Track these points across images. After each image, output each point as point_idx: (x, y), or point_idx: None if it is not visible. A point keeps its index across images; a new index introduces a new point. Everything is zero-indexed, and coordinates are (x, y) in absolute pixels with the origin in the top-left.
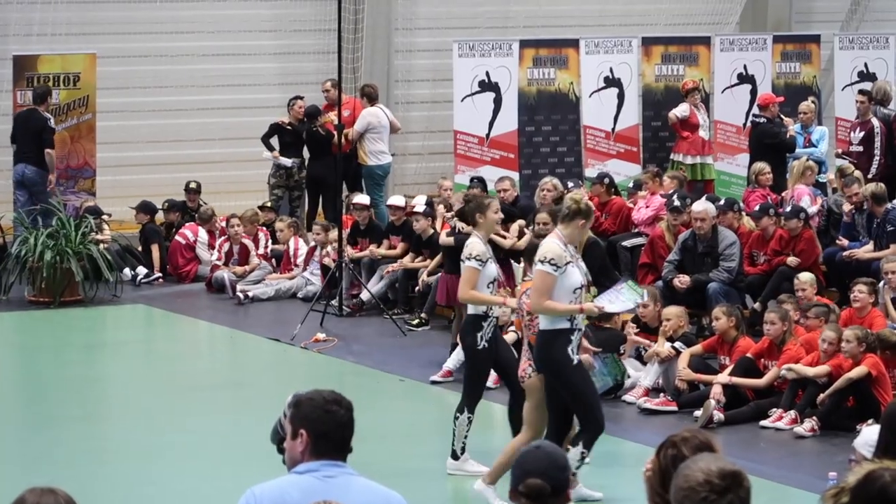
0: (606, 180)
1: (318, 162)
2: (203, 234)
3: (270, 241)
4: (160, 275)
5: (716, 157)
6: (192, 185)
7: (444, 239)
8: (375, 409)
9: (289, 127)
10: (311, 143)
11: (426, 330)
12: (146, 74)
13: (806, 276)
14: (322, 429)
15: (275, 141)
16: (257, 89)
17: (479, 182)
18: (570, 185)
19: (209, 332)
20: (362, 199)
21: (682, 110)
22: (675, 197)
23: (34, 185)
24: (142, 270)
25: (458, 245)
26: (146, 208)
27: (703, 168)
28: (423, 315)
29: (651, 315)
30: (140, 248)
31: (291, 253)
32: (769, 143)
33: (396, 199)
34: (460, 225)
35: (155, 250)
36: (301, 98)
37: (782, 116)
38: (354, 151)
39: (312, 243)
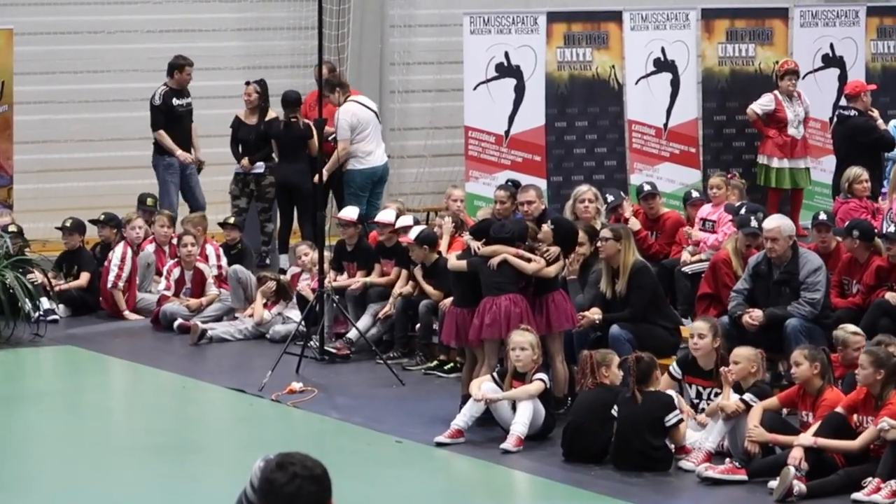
0: (661, 198)
1: (291, 165)
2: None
3: (224, 260)
4: (57, 315)
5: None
6: (150, 202)
7: (455, 263)
8: (366, 478)
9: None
10: (283, 141)
11: (435, 376)
12: (77, 56)
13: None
14: (266, 502)
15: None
16: (217, 74)
17: (514, 185)
18: (610, 197)
19: (155, 380)
20: (349, 212)
21: (764, 103)
22: (747, 212)
23: (156, 171)
24: (45, 303)
25: (472, 270)
26: (79, 228)
27: (794, 174)
28: (442, 357)
29: (705, 351)
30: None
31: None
32: (863, 142)
33: (386, 215)
34: (475, 245)
35: (84, 277)
36: (252, 83)
37: (873, 109)
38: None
39: (296, 269)
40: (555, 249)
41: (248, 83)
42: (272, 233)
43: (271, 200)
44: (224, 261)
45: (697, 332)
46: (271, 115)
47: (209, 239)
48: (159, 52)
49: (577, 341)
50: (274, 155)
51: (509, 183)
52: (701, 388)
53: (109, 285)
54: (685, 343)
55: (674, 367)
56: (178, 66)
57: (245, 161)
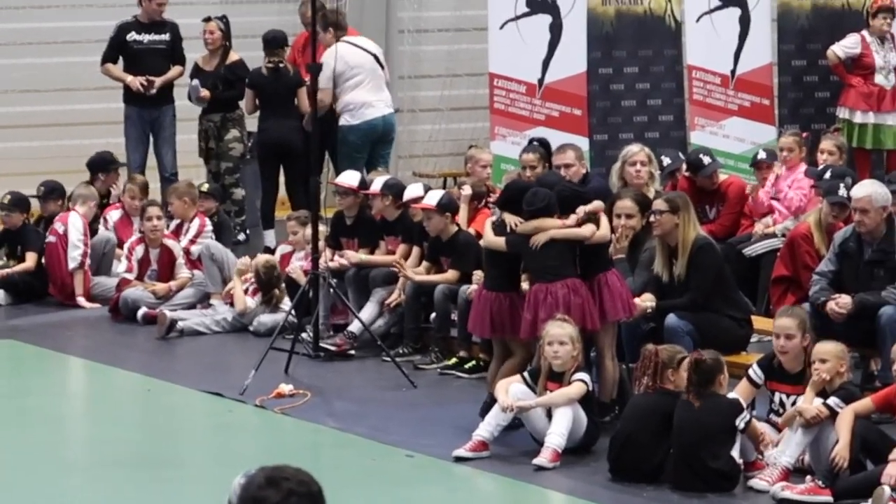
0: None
1: (279, 120)
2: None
3: (210, 235)
4: None
5: None
6: (119, 160)
7: (493, 239)
8: (371, 499)
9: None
10: (268, 91)
11: (453, 377)
12: None
13: None
14: None
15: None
16: (190, 10)
17: (542, 146)
18: (666, 160)
19: (115, 381)
20: (348, 178)
21: (848, 45)
22: (833, 177)
23: None
24: None
25: (513, 249)
26: (21, 204)
27: (880, 132)
28: (462, 354)
29: (795, 352)
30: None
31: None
32: None
33: (375, 185)
34: (512, 220)
35: (30, 258)
36: (213, 19)
37: None
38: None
39: (286, 249)
40: (594, 204)
41: (208, 19)
42: (243, 200)
43: (237, 159)
44: (207, 239)
45: (784, 331)
46: (233, 57)
47: (200, 213)
48: None
49: (625, 334)
50: (241, 104)
51: (535, 143)
52: (784, 396)
53: (74, 265)
54: (759, 338)
55: (754, 371)
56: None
57: (204, 92)
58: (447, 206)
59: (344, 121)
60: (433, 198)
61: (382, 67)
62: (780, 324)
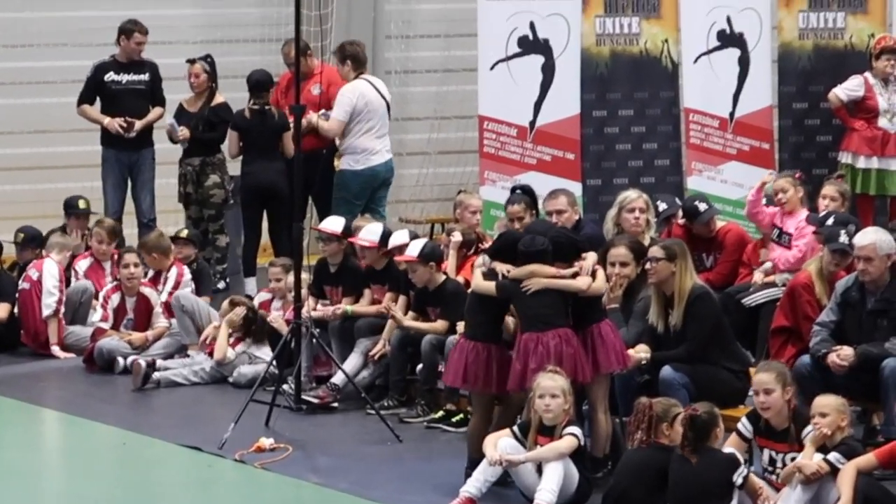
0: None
1: (264, 164)
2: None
3: (189, 288)
4: None
5: None
6: (81, 205)
7: (482, 283)
8: None
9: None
10: (253, 134)
11: (440, 430)
12: None
13: None
14: None
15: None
16: (169, 50)
17: (525, 194)
18: (662, 205)
19: (90, 434)
20: (331, 223)
21: (851, 87)
22: (835, 223)
23: None
24: None
25: (503, 294)
26: None
27: (884, 177)
28: (450, 407)
29: (777, 408)
30: None
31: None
32: None
33: (369, 232)
34: (503, 268)
35: (3, 309)
36: (197, 61)
37: None
38: (333, 148)
39: (265, 296)
40: (591, 257)
41: (192, 61)
42: (226, 248)
43: (218, 206)
44: (187, 289)
45: (763, 386)
46: (219, 99)
47: (177, 261)
48: (95, 21)
49: (619, 387)
50: (223, 147)
51: (519, 192)
52: (774, 454)
53: (49, 312)
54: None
55: (744, 425)
56: (126, 32)
57: (184, 131)
58: (430, 256)
59: (346, 164)
60: (415, 248)
61: (388, 115)
62: (758, 379)
